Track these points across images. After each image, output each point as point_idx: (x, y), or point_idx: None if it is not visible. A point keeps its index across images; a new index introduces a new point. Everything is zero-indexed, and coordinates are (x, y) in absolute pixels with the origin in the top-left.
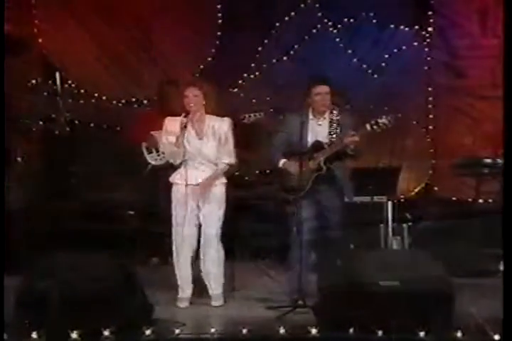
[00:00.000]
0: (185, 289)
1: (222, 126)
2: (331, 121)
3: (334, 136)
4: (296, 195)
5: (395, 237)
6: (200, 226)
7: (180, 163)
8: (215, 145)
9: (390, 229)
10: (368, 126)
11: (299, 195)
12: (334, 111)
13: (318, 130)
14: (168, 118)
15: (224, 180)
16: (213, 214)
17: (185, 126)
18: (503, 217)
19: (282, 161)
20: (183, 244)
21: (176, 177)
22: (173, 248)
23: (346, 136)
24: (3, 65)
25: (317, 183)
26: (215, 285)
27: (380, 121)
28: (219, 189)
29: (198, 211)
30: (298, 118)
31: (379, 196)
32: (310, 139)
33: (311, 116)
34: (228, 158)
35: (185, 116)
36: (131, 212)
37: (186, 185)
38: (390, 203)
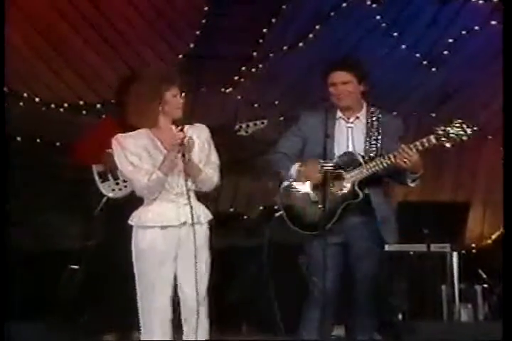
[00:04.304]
0: None
1: (201, 133)
2: (368, 124)
3: (374, 146)
4: (314, 231)
5: (464, 304)
6: (176, 286)
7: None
8: (196, 161)
9: (456, 292)
10: (432, 139)
11: (319, 231)
12: (373, 109)
13: (350, 135)
14: (121, 136)
15: (210, 215)
16: (194, 267)
17: (182, 143)
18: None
19: (296, 167)
20: (154, 314)
21: (143, 218)
22: (141, 319)
23: (400, 149)
24: (4, 62)
25: (347, 216)
26: None
27: (451, 131)
28: (203, 230)
29: (174, 265)
30: (319, 117)
31: (439, 244)
32: (337, 149)
33: (339, 114)
34: (210, 168)
35: (181, 130)
36: (76, 267)
37: (161, 227)
38: (455, 254)
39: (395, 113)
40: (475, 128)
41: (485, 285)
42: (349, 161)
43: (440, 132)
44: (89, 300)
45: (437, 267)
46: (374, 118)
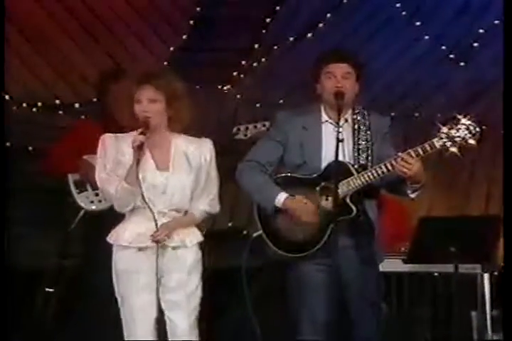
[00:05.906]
0: None
1: (201, 151)
2: (355, 126)
3: (365, 152)
4: (302, 253)
5: (497, 334)
6: (163, 313)
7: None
8: (190, 181)
9: (488, 320)
10: (436, 143)
11: (306, 253)
12: (358, 109)
13: (338, 141)
14: (108, 136)
15: (199, 237)
16: (182, 294)
17: (141, 148)
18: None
19: (282, 197)
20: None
21: (120, 237)
22: None
23: (399, 156)
24: (4, 63)
25: (339, 235)
26: None
27: (457, 134)
28: (190, 254)
29: (159, 289)
30: (300, 119)
31: (468, 265)
32: (324, 156)
33: (324, 117)
34: (209, 203)
35: (142, 133)
36: (51, 290)
37: (139, 249)
38: (486, 276)
39: (417, 114)
40: (483, 127)
41: None
42: (339, 171)
43: (444, 135)
44: (68, 327)
45: (466, 290)
46: (362, 120)
